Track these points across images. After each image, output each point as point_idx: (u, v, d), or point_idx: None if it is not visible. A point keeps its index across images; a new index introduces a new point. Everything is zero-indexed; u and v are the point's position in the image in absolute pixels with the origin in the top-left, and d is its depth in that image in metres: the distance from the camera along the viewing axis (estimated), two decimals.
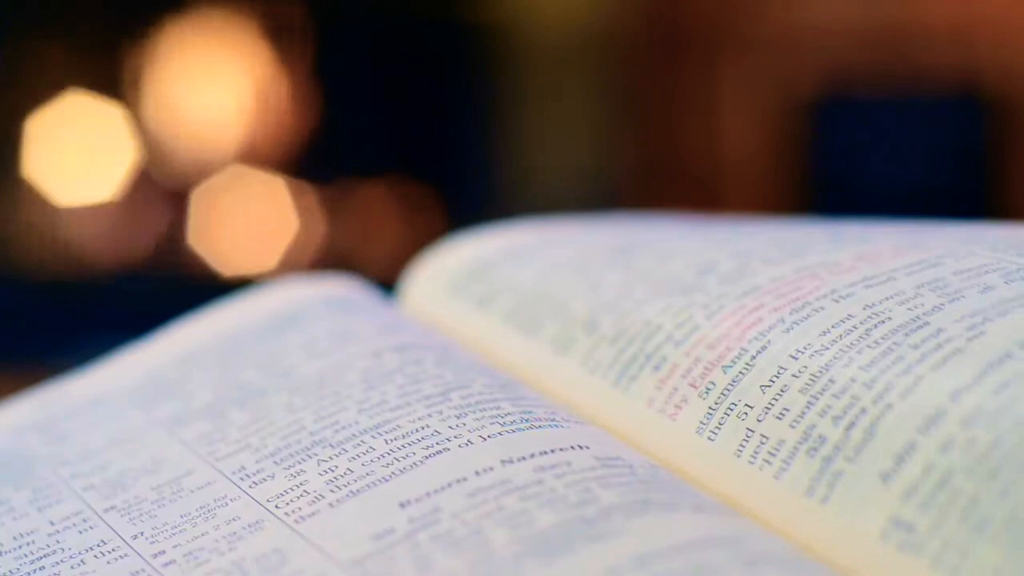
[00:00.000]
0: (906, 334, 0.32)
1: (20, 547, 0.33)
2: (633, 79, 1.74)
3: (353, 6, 1.71)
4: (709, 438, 0.33)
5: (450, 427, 0.33)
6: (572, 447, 0.32)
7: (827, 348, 0.32)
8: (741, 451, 0.32)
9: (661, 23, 1.73)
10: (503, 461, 0.31)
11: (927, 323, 0.32)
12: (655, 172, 1.77)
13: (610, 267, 0.40)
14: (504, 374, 0.37)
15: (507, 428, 0.33)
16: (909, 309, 0.32)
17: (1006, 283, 0.33)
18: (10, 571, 0.33)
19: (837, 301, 0.34)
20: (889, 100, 1.67)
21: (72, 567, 0.32)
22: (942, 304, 0.32)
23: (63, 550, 0.33)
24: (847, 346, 0.32)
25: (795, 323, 0.34)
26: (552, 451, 0.32)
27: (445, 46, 1.72)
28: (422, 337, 0.39)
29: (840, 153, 1.67)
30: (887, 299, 0.33)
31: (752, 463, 0.31)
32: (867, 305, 0.33)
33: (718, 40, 1.71)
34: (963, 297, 0.32)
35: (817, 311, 0.34)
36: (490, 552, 0.28)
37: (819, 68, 1.68)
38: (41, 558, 0.33)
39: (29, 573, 0.32)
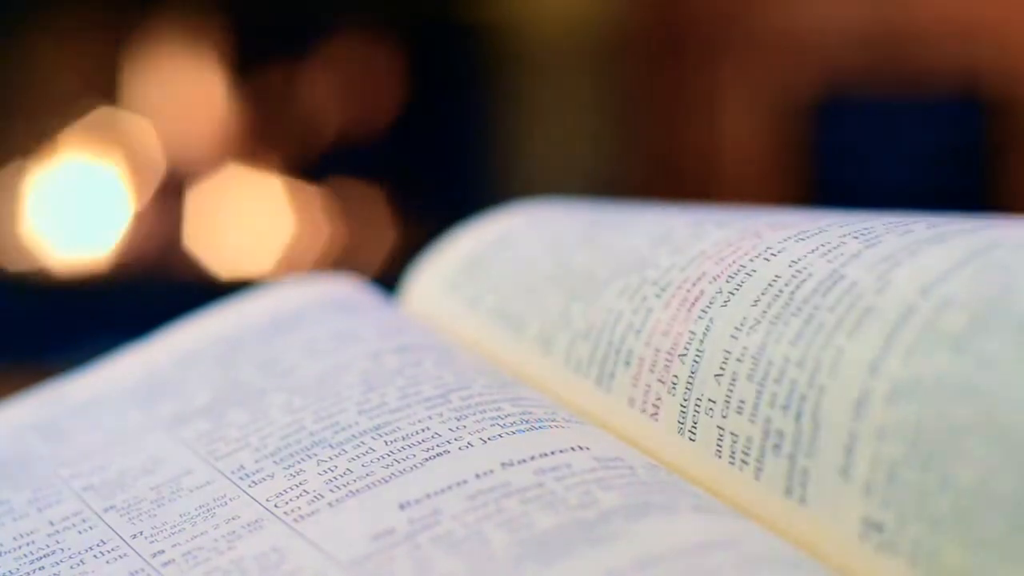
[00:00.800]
0: (823, 293, 0.30)
1: (20, 547, 0.33)
2: (634, 80, 1.74)
3: (354, 5, 1.71)
4: (690, 438, 0.32)
5: (450, 429, 0.33)
6: (572, 448, 0.32)
7: (759, 321, 0.31)
8: (720, 451, 0.31)
9: (662, 24, 1.73)
10: (503, 464, 0.31)
11: (843, 276, 0.30)
12: (655, 173, 1.77)
13: (579, 247, 0.39)
14: (503, 374, 0.37)
15: (507, 430, 0.33)
16: (829, 261, 0.31)
17: (927, 228, 0.31)
18: (10, 571, 0.32)
19: (768, 260, 0.33)
20: (889, 100, 1.67)
21: (72, 567, 0.32)
22: (860, 251, 0.31)
23: (63, 550, 0.33)
24: (775, 316, 0.31)
25: (731, 293, 0.33)
26: (552, 453, 0.32)
27: (445, 46, 1.72)
28: (422, 338, 0.39)
29: (840, 153, 1.67)
30: (812, 252, 0.32)
31: (732, 463, 0.31)
32: (792, 261, 0.32)
33: (718, 41, 1.71)
34: (880, 242, 0.31)
35: (749, 275, 0.33)
36: (490, 554, 0.28)
37: (819, 69, 1.68)
38: (41, 558, 0.33)
39: (29, 573, 0.32)
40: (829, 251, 0.32)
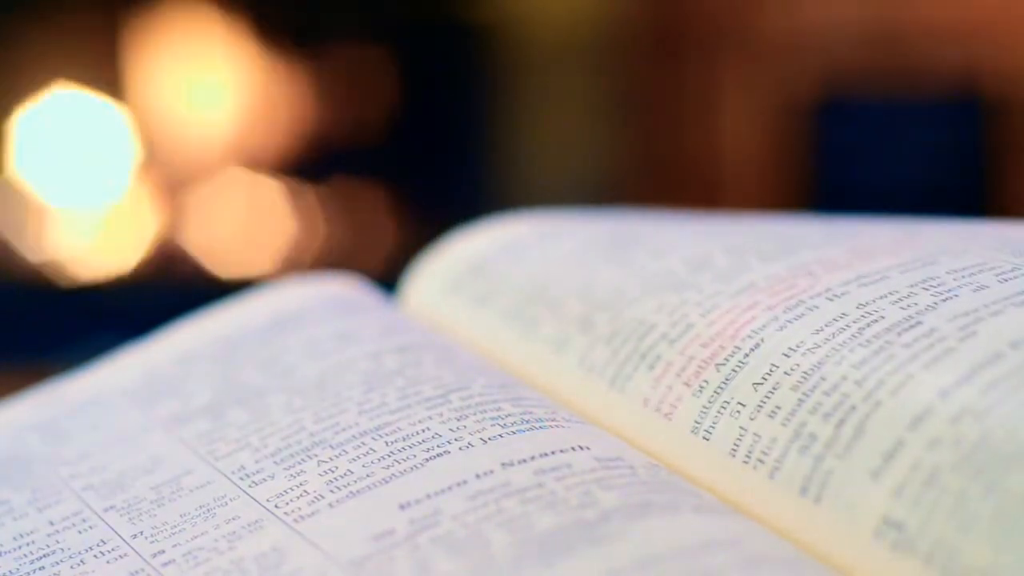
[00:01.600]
0: (899, 333, 0.31)
1: (20, 547, 0.33)
2: (634, 80, 1.74)
3: (352, 6, 1.71)
4: (704, 437, 0.33)
5: (450, 429, 0.33)
6: (572, 448, 0.32)
7: (819, 346, 0.32)
8: (735, 450, 0.32)
9: (662, 23, 1.73)
10: (503, 464, 0.31)
11: (920, 322, 0.32)
12: (655, 173, 1.77)
13: (605, 262, 0.40)
14: (504, 374, 0.37)
15: (507, 430, 0.33)
16: (902, 308, 0.32)
17: (999, 282, 0.33)
18: (10, 571, 0.32)
19: (831, 300, 0.34)
20: (889, 101, 1.67)
21: (72, 567, 0.32)
22: (935, 303, 0.32)
23: (63, 550, 0.33)
24: (839, 344, 0.32)
25: (789, 321, 0.34)
26: (552, 453, 0.31)
27: (445, 46, 1.72)
28: (422, 338, 0.39)
29: (840, 154, 1.67)
30: (881, 298, 0.33)
31: (747, 463, 0.31)
32: (860, 304, 0.33)
33: (719, 41, 1.71)
34: (957, 296, 0.32)
35: (811, 309, 0.34)
36: (490, 555, 0.28)
37: (819, 69, 1.68)
38: (41, 558, 0.33)
39: (29, 573, 0.32)
40: (900, 299, 0.33)
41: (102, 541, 0.33)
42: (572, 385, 0.36)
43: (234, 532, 0.31)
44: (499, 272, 0.42)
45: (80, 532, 0.33)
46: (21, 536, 0.34)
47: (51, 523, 0.34)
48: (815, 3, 1.67)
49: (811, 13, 1.67)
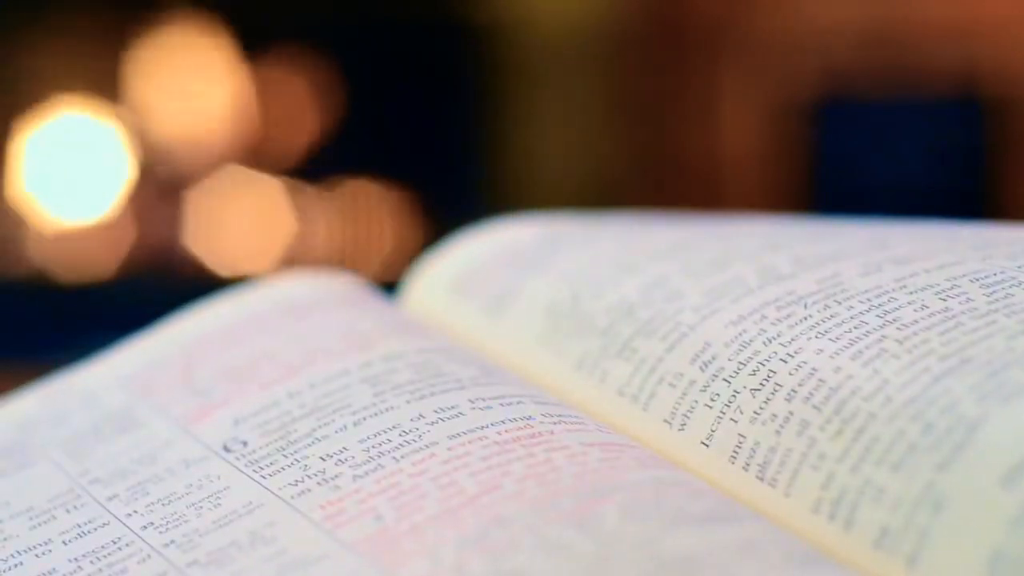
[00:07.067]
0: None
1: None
2: (633, 79, 1.75)
3: (353, 6, 1.71)
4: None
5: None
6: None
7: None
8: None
9: (661, 23, 1.73)
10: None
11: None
12: (655, 173, 1.77)
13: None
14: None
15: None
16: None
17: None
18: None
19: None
20: (889, 100, 1.67)
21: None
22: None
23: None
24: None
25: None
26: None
27: (445, 46, 1.72)
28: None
29: (840, 153, 1.67)
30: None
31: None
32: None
33: (718, 40, 1.71)
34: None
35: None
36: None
37: (819, 68, 1.68)
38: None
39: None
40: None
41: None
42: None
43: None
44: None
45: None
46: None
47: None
48: (815, 3, 1.67)
49: (811, 13, 1.67)
